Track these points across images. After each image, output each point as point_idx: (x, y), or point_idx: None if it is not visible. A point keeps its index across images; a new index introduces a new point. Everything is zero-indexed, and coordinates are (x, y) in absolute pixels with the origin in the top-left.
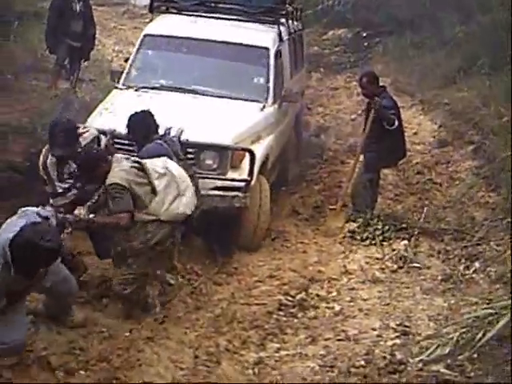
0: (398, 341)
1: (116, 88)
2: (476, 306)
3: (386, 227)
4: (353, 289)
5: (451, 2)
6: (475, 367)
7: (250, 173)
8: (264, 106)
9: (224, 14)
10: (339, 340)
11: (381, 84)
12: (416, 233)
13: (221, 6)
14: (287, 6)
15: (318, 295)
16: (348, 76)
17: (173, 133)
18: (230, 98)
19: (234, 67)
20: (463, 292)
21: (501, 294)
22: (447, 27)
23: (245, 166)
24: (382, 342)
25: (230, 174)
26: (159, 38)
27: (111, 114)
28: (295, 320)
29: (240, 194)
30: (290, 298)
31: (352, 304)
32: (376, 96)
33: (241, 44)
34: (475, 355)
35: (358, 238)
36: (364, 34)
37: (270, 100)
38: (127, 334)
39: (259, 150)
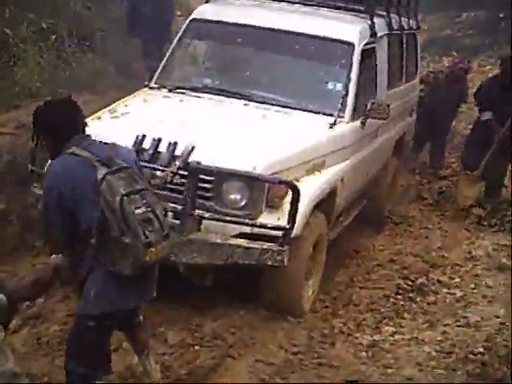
0: None
1: (146, 86)
2: None
3: None
4: (477, 275)
5: None
6: None
7: (292, 218)
8: (335, 122)
9: None
10: (459, 326)
11: None
12: None
13: None
14: None
15: (439, 281)
16: (481, 60)
17: (178, 151)
18: (289, 107)
19: (302, 66)
20: None
21: None
22: None
23: (286, 208)
24: (504, 331)
25: (264, 218)
26: (208, 24)
27: (114, 120)
28: (413, 305)
29: (274, 248)
30: (409, 283)
31: (475, 291)
32: None
33: (315, 36)
34: None
35: (486, 223)
36: (501, 15)
37: (348, 114)
38: (242, 312)
39: (316, 183)
